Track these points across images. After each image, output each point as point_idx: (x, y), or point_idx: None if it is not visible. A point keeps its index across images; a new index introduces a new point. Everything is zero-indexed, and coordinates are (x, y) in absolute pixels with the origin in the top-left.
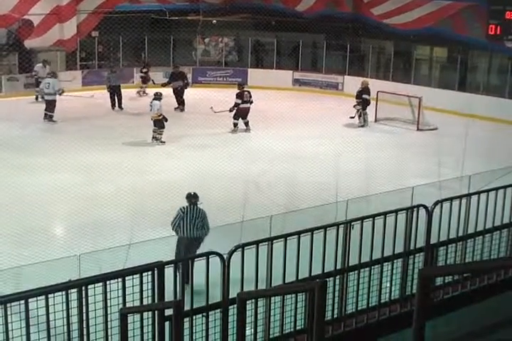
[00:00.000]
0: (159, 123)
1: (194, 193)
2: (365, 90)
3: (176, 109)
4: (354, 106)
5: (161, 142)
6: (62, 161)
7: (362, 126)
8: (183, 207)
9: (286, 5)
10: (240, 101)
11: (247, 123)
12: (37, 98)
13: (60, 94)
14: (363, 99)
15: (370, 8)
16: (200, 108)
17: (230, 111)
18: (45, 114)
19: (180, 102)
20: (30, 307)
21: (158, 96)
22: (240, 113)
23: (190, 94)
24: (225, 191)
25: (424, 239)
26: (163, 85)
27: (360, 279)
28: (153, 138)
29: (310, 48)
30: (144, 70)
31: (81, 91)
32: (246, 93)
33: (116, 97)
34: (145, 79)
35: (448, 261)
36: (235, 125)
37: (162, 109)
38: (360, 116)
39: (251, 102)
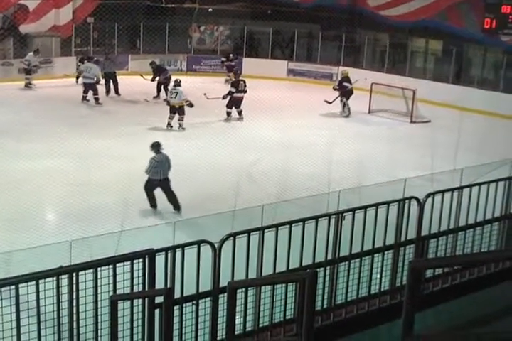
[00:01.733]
0: (182, 109)
1: (157, 142)
2: (344, 79)
3: (154, 98)
4: (333, 88)
5: (183, 128)
6: (56, 147)
7: (347, 117)
8: (155, 157)
9: None
10: (234, 89)
11: (240, 112)
12: (26, 85)
13: (97, 83)
14: (344, 88)
15: None
16: (194, 96)
17: (223, 98)
18: (84, 97)
19: (166, 93)
20: (20, 293)
21: (178, 83)
22: (234, 102)
23: (184, 82)
24: (217, 180)
25: (415, 231)
26: (153, 80)
27: (351, 270)
28: (168, 124)
29: (305, 38)
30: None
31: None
32: (241, 82)
33: (112, 84)
34: (231, 68)
35: (438, 254)
36: (228, 114)
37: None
38: (344, 106)
39: (245, 92)
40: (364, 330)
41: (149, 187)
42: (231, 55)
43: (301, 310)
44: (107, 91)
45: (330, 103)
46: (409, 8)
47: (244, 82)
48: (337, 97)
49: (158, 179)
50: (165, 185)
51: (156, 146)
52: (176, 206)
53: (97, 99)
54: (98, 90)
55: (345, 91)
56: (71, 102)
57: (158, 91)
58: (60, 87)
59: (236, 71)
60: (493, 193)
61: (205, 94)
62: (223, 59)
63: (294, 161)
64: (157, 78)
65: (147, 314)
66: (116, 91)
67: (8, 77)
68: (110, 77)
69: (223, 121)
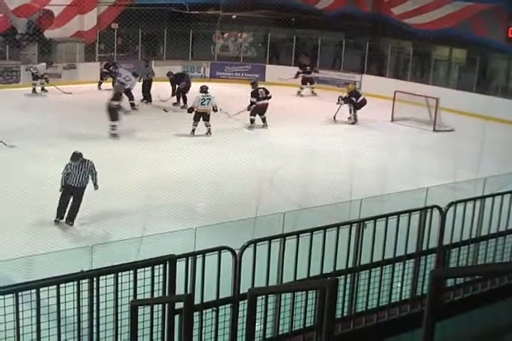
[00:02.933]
0: (209, 115)
1: (79, 153)
2: (351, 94)
3: (174, 104)
4: (338, 100)
5: (210, 134)
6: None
7: (353, 124)
8: (70, 162)
9: (306, 2)
10: (255, 99)
11: (264, 119)
12: (34, 90)
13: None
14: (351, 102)
15: (390, 7)
16: (217, 103)
17: (248, 109)
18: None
19: (185, 100)
20: (41, 297)
21: (206, 89)
22: (258, 109)
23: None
24: (239, 186)
25: (436, 240)
26: (173, 93)
27: (372, 278)
28: (192, 131)
29: (329, 46)
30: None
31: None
32: (261, 90)
33: (145, 91)
34: (311, 80)
35: (460, 263)
36: (252, 121)
37: None
38: (350, 113)
39: (269, 97)
40: (384, 339)
41: (63, 194)
42: (308, 67)
43: (321, 317)
44: (146, 99)
45: (334, 119)
46: (433, 17)
47: (265, 89)
48: (337, 111)
49: (71, 185)
50: (77, 194)
51: (74, 155)
52: (70, 219)
53: (132, 105)
54: (134, 96)
55: (353, 103)
56: (95, 107)
57: (178, 98)
58: (84, 93)
59: (253, 81)
60: None
61: (226, 113)
62: (299, 70)
63: (316, 169)
64: (177, 86)
65: (167, 320)
66: (150, 99)
67: (32, 81)
68: (148, 85)
69: (247, 128)
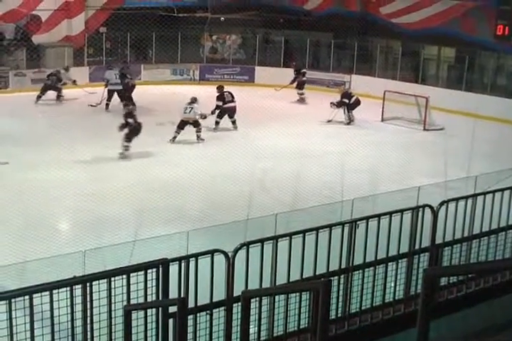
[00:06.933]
0: (197, 122)
1: None
2: (343, 95)
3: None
4: (331, 106)
5: (201, 139)
6: (69, 157)
7: (348, 124)
8: None
9: (294, 3)
10: (220, 103)
11: (234, 122)
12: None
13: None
14: (343, 103)
15: (378, 7)
16: (208, 105)
17: (212, 113)
18: (107, 104)
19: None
20: (34, 303)
21: (193, 100)
22: (225, 112)
23: (196, 91)
24: (230, 189)
25: (429, 239)
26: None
27: (365, 278)
28: (174, 138)
29: (317, 47)
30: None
31: (87, 87)
32: (226, 93)
33: (117, 95)
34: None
35: (453, 262)
36: (217, 123)
37: None
38: (344, 113)
39: (234, 101)
40: (378, 339)
41: None
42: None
43: (316, 319)
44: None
45: (330, 121)
46: (422, 16)
47: (230, 93)
48: (335, 114)
49: None
50: None
51: None
52: None
53: (92, 105)
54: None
55: (347, 104)
56: (83, 112)
57: (110, 98)
58: (73, 97)
59: (219, 85)
60: (508, 201)
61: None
62: (296, 75)
63: (308, 170)
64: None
65: (161, 324)
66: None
67: (22, 87)
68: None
69: (211, 130)
